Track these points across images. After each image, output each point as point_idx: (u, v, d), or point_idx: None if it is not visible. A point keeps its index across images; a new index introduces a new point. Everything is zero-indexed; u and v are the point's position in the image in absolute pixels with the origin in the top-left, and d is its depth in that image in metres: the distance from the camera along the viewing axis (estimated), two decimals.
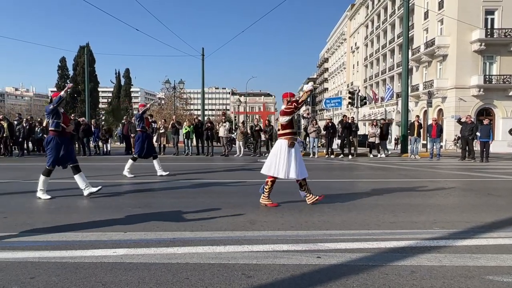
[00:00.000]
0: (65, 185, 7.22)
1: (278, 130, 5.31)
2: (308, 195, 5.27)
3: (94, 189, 5.77)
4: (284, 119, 5.19)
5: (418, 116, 16.43)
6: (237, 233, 3.73)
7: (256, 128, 16.48)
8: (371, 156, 15.93)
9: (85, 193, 5.75)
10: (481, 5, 29.21)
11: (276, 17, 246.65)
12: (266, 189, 5.26)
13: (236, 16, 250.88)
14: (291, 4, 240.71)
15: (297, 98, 5.25)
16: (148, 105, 9.39)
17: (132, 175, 8.41)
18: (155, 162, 8.65)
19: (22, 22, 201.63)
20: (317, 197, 5.27)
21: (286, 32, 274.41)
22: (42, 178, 5.76)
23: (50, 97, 5.96)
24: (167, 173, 8.69)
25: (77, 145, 16.48)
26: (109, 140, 18.34)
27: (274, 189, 5.33)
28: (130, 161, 8.53)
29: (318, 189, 6.86)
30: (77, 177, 5.81)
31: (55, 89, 60.64)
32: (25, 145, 16.25)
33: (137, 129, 8.62)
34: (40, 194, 5.71)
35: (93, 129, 16.36)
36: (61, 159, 5.70)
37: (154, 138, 17.42)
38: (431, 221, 4.33)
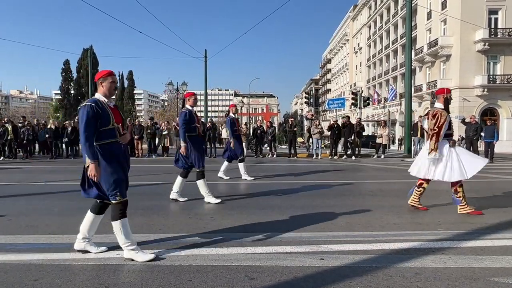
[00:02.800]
0: (68, 188, 7.25)
1: (431, 130, 4.85)
2: (463, 203, 4.74)
3: (215, 201, 5.48)
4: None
5: (421, 117, 16.31)
6: (240, 235, 3.72)
7: (259, 131, 16.47)
8: (375, 156, 15.87)
9: (206, 199, 5.57)
10: (485, 5, 29.06)
11: (279, 18, 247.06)
12: (417, 192, 4.97)
13: (238, 18, 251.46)
14: (293, 5, 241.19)
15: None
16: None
17: (228, 177, 8.29)
18: (240, 165, 8.34)
19: (25, 25, 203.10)
20: (472, 209, 4.74)
21: (289, 33, 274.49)
22: (202, 183, 5.54)
23: (183, 98, 5.74)
24: (253, 178, 8.34)
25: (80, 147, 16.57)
26: None
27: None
28: (241, 165, 8.29)
29: (321, 191, 6.84)
30: (199, 183, 5.58)
31: (58, 92, 61.10)
32: (30, 147, 16.36)
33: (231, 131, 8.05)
34: (209, 199, 5.51)
35: None
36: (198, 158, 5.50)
37: (157, 140, 17.46)
38: (435, 222, 4.30)
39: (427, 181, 4.97)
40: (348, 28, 64.57)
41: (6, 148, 15.46)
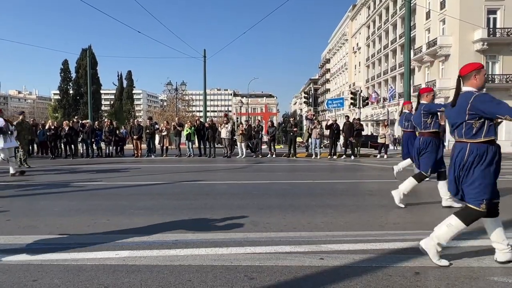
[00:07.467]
0: (68, 188, 7.24)
1: None
2: None
3: (457, 204, 4.98)
4: None
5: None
6: (239, 235, 3.72)
7: (256, 130, 16.45)
8: (378, 156, 15.85)
9: (445, 203, 5.18)
10: (483, 5, 29.11)
11: (278, 18, 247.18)
12: None
13: (237, 18, 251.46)
14: (292, 5, 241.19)
15: None
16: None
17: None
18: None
19: (24, 26, 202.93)
20: None
21: (288, 33, 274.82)
22: (413, 181, 5.11)
23: (418, 94, 4.63)
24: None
25: (79, 147, 16.54)
26: (117, 142, 17.68)
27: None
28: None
29: (320, 190, 6.85)
30: (441, 184, 5.21)
31: (57, 92, 61.01)
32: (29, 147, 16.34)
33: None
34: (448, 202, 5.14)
35: (96, 131, 16.36)
36: (437, 163, 5.08)
37: (157, 140, 17.43)
38: (435, 221, 4.29)
39: None
40: (347, 28, 64.59)
41: None
